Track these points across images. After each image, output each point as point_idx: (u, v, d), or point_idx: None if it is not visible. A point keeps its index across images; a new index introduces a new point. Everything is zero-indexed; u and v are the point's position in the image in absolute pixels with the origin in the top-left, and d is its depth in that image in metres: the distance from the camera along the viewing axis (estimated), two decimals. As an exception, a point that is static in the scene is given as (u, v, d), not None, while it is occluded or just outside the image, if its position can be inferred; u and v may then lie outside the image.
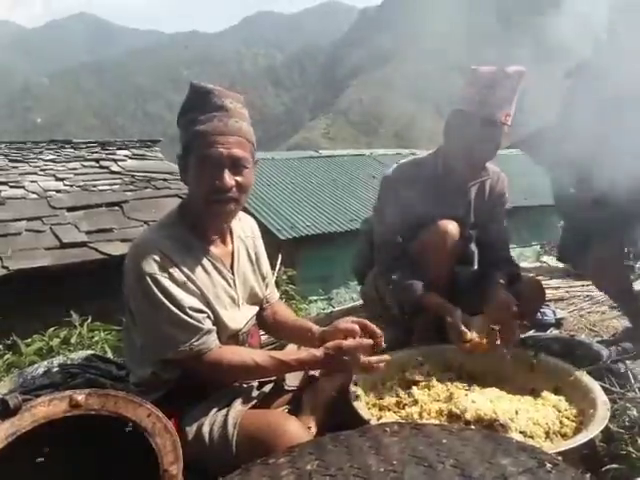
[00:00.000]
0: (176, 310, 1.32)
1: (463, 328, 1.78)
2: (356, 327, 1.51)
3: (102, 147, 7.26)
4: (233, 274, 1.52)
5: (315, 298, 5.73)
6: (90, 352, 1.86)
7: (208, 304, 1.42)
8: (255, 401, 1.49)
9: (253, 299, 1.63)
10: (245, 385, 1.53)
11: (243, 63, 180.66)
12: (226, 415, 1.38)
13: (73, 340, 2.26)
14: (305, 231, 9.15)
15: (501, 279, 1.98)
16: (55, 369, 1.68)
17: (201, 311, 1.38)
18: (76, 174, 6.17)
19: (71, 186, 5.82)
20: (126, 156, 7.04)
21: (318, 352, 1.42)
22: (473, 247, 2.26)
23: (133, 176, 6.30)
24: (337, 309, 2.96)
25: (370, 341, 1.45)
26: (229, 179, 1.35)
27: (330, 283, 7.74)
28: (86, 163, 6.60)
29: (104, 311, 2.84)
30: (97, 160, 6.73)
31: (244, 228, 1.65)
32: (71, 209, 5.29)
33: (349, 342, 1.43)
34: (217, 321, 1.44)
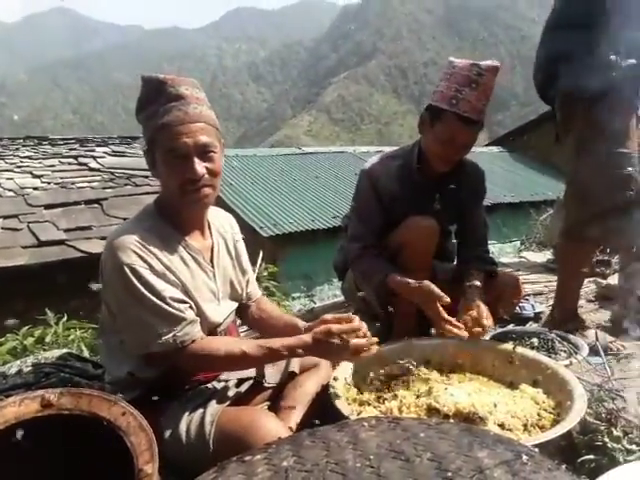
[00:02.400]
0: (157, 300, 1.30)
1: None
2: (342, 316, 1.50)
3: (80, 144, 7.16)
4: (213, 267, 1.51)
5: (298, 295, 5.72)
6: (65, 351, 1.82)
7: (189, 296, 1.40)
8: (233, 399, 1.48)
9: (233, 294, 1.61)
10: (223, 383, 1.52)
11: (224, 59, 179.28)
12: (203, 413, 1.36)
13: (48, 339, 2.22)
14: (288, 228, 9.11)
15: (476, 279, 2.00)
16: (29, 368, 1.64)
17: (183, 301, 1.36)
18: (54, 171, 6.07)
19: (48, 183, 5.72)
20: (105, 153, 6.94)
21: (307, 337, 1.40)
22: (453, 243, 2.27)
23: (112, 173, 6.22)
24: (318, 305, 2.95)
25: (360, 325, 1.43)
26: (199, 168, 1.34)
27: (313, 280, 7.72)
28: (64, 160, 6.49)
29: (82, 309, 2.79)
30: (75, 157, 6.63)
31: (223, 224, 1.63)
32: (49, 207, 5.20)
33: (339, 325, 1.41)
34: (198, 313, 1.41)
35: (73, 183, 5.80)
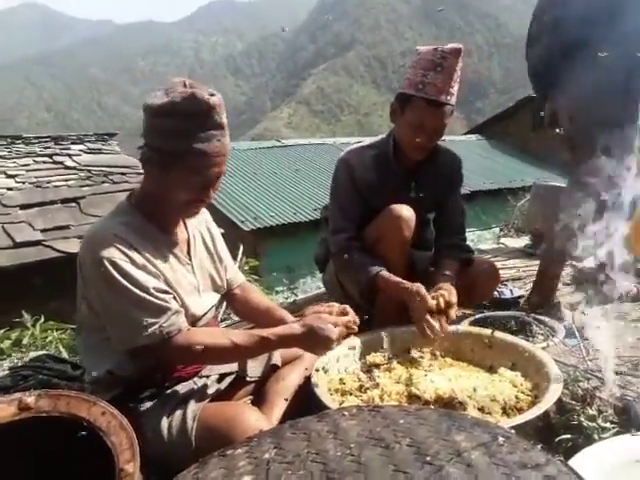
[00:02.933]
0: (139, 292, 1.29)
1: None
2: (327, 308, 1.53)
3: (55, 142, 7.01)
4: (190, 260, 1.51)
5: (281, 288, 5.73)
6: (43, 352, 1.80)
7: (171, 288, 1.39)
8: (215, 394, 1.48)
9: (214, 286, 1.61)
10: (204, 379, 1.51)
11: (201, 52, 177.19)
12: (185, 409, 1.36)
13: (25, 341, 2.18)
14: (269, 222, 9.10)
15: (448, 268, 2.02)
16: (5, 372, 1.62)
17: (166, 292, 1.36)
18: (28, 170, 5.95)
19: (23, 183, 5.60)
20: (81, 150, 6.82)
21: (297, 325, 1.41)
22: (431, 231, 2.29)
23: (89, 171, 6.12)
24: (300, 297, 2.96)
25: (348, 318, 1.48)
26: (211, 194, 1.40)
27: (296, 273, 7.73)
28: (38, 159, 6.35)
29: (61, 310, 2.75)
30: (50, 155, 6.50)
31: (196, 216, 1.62)
32: (24, 207, 5.10)
33: (326, 309, 1.46)
34: (181, 306, 1.41)
35: (49, 182, 5.69)
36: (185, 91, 1.29)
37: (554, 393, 1.40)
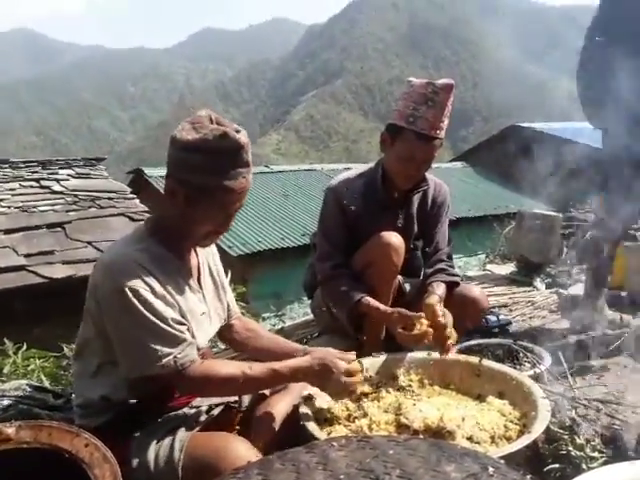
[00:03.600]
0: (159, 322, 1.30)
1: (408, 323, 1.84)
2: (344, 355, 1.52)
3: (43, 166, 6.98)
4: (201, 288, 1.53)
5: (268, 315, 5.68)
6: (25, 382, 1.76)
7: (184, 317, 1.40)
8: (203, 424, 1.46)
9: (218, 316, 1.61)
10: (194, 409, 1.49)
11: (191, 78, 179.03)
12: (173, 439, 1.34)
13: (6, 369, 2.13)
14: (257, 247, 9.09)
15: (436, 290, 2.03)
16: (-15, 402, 1.58)
17: (182, 323, 1.37)
18: (14, 195, 5.90)
19: (9, 207, 5.55)
20: (69, 175, 6.79)
21: (308, 358, 1.43)
22: (419, 258, 2.31)
23: (76, 195, 6.09)
24: (288, 324, 2.94)
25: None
26: (231, 223, 1.46)
27: (284, 299, 7.69)
28: (25, 183, 6.31)
29: (43, 337, 2.70)
30: (37, 180, 6.46)
31: None
32: (8, 231, 5.04)
33: (346, 364, 1.47)
34: (192, 336, 1.42)
35: (35, 207, 5.65)
36: (217, 129, 1.32)
37: (542, 422, 1.40)
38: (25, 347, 2.32)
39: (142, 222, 1.51)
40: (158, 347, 1.29)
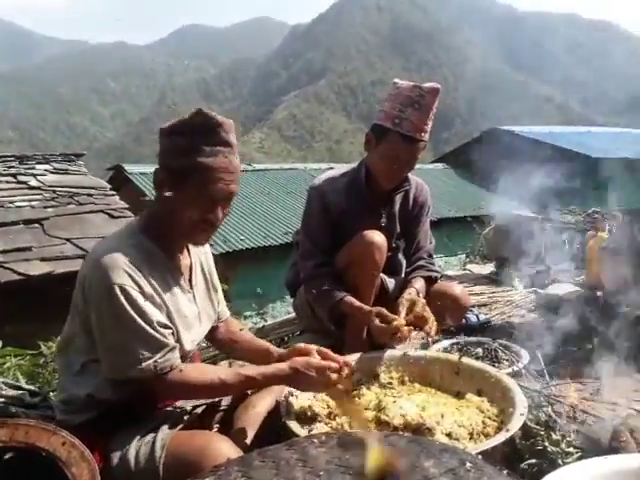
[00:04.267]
0: (143, 324, 1.28)
1: (383, 324, 1.85)
2: (312, 347, 1.51)
3: (20, 161, 6.82)
4: (192, 288, 1.51)
5: (249, 314, 5.66)
6: (0, 380, 1.72)
7: (170, 320, 1.39)
8: (185, 422, 1.45)
9: (208, 317, 1.60)
10: (177, 408, 1.48)
11: (173, 75, 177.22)
12: (154, 438, 1.32)
13: (-19, 368, 2.09)
14: (239, 245, 9.05)
15: (415, 284, 2.06)
16: (-41, 400, 1.54)
17: (166, 326, 1.35)
18: (-10, 190, 5.77)
19: (-16, 203, 5.43)
20: (47, 170, 6.66)
21: (285, 366, 1.41)
22: (401, 257, 2.33)
23: (54, 191, 5.97)
24: (269, 323, 2.94)
25: (337, 365, 1.45)
26: (220, 214, 1.38)
27: (265, 298, 7.67)
28: (1, 178, 6.16)
29: (18, 335, 2.65)
30: (14, 175, 6.32)
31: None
32: (-17, 227, 4.93)
33: (318, 360, 1.44)
34: (176, 339, 1.40)
35: (11, 202, 5.53)
36: (194, 111, 1.34)
37: (519, 419, 1.42)
38: (0, 345, 2.28)
39: (134, 217, 1.50)
40: (140, 350, 1.28)
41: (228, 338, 1.71)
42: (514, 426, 1.40)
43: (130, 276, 1.28)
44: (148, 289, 1.32)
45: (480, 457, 1.05)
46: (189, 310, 1.47)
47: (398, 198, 2.25)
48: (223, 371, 1.41)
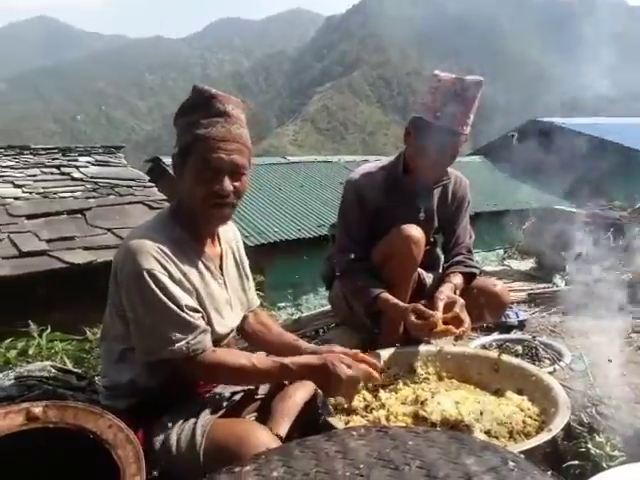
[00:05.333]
0: (174, 307, 1.31)
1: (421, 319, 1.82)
2: (348, 351, 1.49)
3: (63, 153, 7.07)
4: (222, 275, 1.53)
5: (284, 305, 5.70)
6: (49, 363, 1.80)
7: (201, 305, 1.41)
8: (224, 410, 1.47)
9: (241, 305, 1.62)
10: (216, 394, 1.51)
11: (208, 68, 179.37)
12: (195, 424, 1.35)
13: (31, 351, 2.18)
14: (273, 237, 9.12)
15: (453, 280, 2.03)
16: (11, 381, 1.61)
17: (196, 310, 1.38)
18: (35, 181, 6.00)
19: (30, 193, 5.65)
20: (89, 162, 6.88)
21: (315, 359, 1.40)
22: (439, 252, 2.30)
23: (96, 183, 6.16)
24: (305, 314, 2.95)
25: (370, 369, 1.42)
26: (228, 185, 1.37)
27: (299, 289, 7.71)
28: (46, 169, 6.41)
29: (66, 322, 2.75)
30: (58, 167, 6.55)
31: (228, 232, 1.65)
32: (30, 217, 5.13)
33: (350, 358, 1.41)
34: (207, 324, 1.42)
35: (55, 193, 5.73)
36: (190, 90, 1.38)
37: (563, 419, 1.39)
38: (49, 330, 2.37)
39: (165, 207, 1.52)
40: (171, 332, 1.30)
41: (257, 329, 1.72)
42: (557, 426, 1.37)
43: (158, 261, 1.31)
44: (177, 274, 1.34)
45: (523, 456, 1.03)
46: (220, 296, 1.49)
47: (437, 192, 2.22)
48: (255, 357, 1.42)
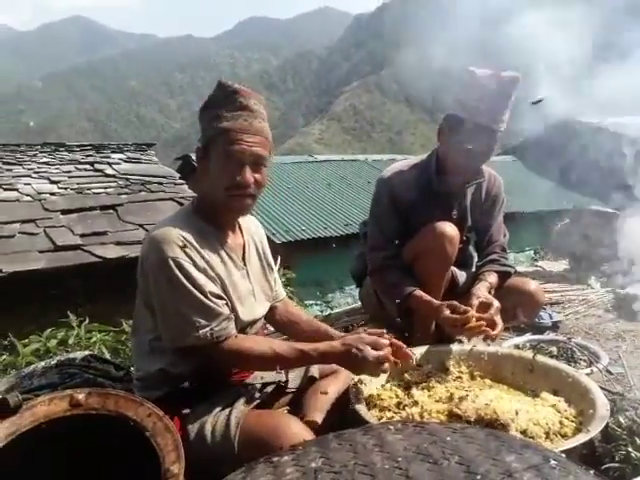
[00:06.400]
0: (198, 294, 1.34)
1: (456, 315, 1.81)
2: (380, 331, 1.48)
3: (96, 150, 7.23)
4: (245, 265, 1.56)
5: (312, 302, 5.73)
6: (88, 353, 1.85)
7: (225, 292, 1.44)
8: (257, 402, 1.49)
9: (265, 295, 1.65)
10: (248, 386, 1.53)
11: (237, 67, 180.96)
12: (229, 415, 1.37)
13: (71, 341, 2.25)
14: (300, 235, 9.15)
15: (487, 278, 2.00)
16: (53, 369, 1.67)
17: (220, 297, 1.41)
18: (70, 177, 6.14)
19: (65, 189, 5.78)
20: (121, 159, 7.01)
21: (337, 344, 1.41)
22: (472, 250, 2.27)
23: (128, 179, 6.28)
24: (336, 311, 2.96)
25: (386, 341, 1.41)
26: (249, 176, 1.41)
27: (325, 287, 7.73)
28: (80, 166, 6.56)
29: (99, 313, 2.82)
30: (91, 163, 6.70)
31: (249, 224, 1.68)
32: (65, 212, 5.26)
33: (370, 337, 1.40)
34: (232, 312, 1.45)
35: (89, 189, 5.86)
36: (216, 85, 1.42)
37: (601, 420, 1.36)
38: (87, 320, 2.43)
39: (187, 203, 1.57)
40: (196, 318, 1.34)
41: (287, 319, 1.75)
42: (595, 428, 1.35)
43: (182, 249, 1.35)
44: (201, 262, 1.38)
45: (564, 455, 1.02)
46: (243, 285, 1.52)
47: (470, 190, 2.20)
48: (278, 343, 1.44)
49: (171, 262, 1.32)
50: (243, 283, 1.53)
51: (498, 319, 1.80)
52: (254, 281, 1.58)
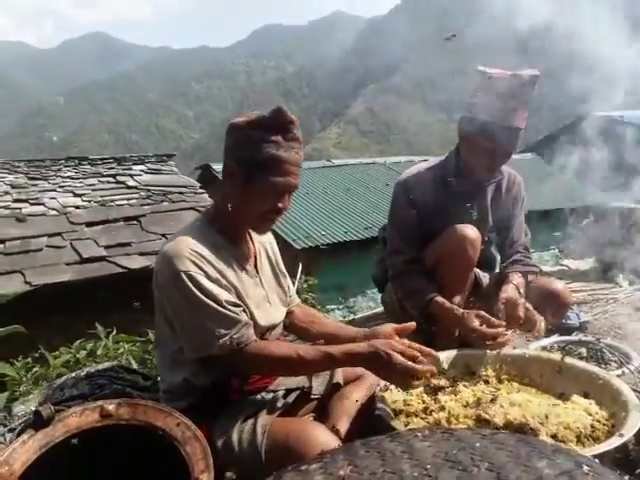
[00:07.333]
0: (213, 304, 1.36)
1: (481, 328, 1.79)
2: (391, 327, 1.52)
3: (118, 163, 7.36)
4: (258, 273, 1.58)
5: (333, 307, 5.73)
6: (115, 363, 1.88)
7: (240, 299, 1.45)
8: (282, 409, 1.50)
9: (281, 301, 1.66)
10: (272, 393, 1.54)
11: (253, 75, 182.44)
12: (254, 423, 1.38)
13: (99, 352, 2.29)
14: (320, 240, 9.16)
15: (513, 279, 1.97)
16: (83, 381, 1.70)
17: (237, 305, 1.42)
18: (94, 190, 6.27)
19: (89, 202, 5.90)
20: (142, 171, 7.13)
21: (363, 346, 1.38)
22: (494, 251, 2.25)
23: (149, 190, 6.38)
24: (359, 316, 2.95)
25: (422, 350, 1.39)
26: (287, 204, 1.47)
27: (347, 292, 7.72)
28: (103, 179, 6.69)
29: (125, 323, 2.86)
30: (114, 176, 6.82)
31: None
32: (90, 224, 5.36)
33: (402, 343, 1.37)
34: (250, 318, 1.46)
35: (112, 201, 5.97)
36: (274, 108, 1.42)
37: (635, 423, 1.33)
38: (115, 332, 2.47)
39: (200, 213, 1.59)
40: (215, 328, 1.35)
41: (308, 320, 1.75)
42: (628, 431, 1.31)
43: (194, 263, 1.36)
44: (214, 273, 1.39)
45: (597, 461, 1.00)
46: (256, 292, 1.53)
47: (490, 190, 2.18)
48: (301, 346, 1.44)
49: (184, 275, 1.34)
50: (257, 290, 1.54)
51: (533, 315, 1.80)
52: (268, 288, 1.60)
